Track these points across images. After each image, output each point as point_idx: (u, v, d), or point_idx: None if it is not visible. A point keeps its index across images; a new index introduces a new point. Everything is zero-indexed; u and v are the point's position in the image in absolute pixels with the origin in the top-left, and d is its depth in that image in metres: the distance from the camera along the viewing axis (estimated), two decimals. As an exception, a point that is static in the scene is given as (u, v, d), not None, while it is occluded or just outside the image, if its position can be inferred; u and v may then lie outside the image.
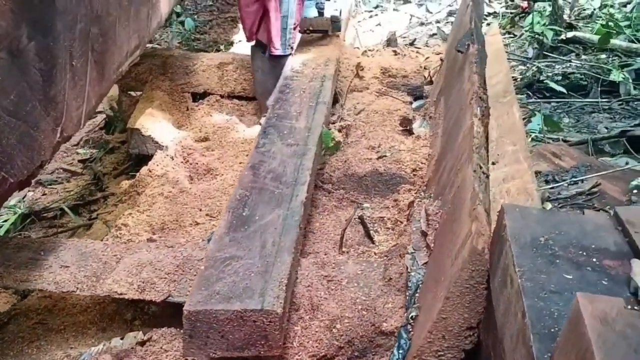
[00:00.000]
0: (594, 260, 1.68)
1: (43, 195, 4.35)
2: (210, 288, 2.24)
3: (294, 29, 4.36)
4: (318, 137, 3.33)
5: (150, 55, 4.71)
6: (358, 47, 5.72)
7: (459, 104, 3.29)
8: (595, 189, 2.78)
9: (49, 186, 4.43)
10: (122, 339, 2.56)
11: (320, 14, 4.55)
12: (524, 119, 4.33)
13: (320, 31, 4.63)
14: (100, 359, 2.43)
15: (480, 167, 2.45)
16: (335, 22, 4.60)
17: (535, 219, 1.83)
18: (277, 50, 4.28)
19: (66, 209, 4.02)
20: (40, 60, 2.39)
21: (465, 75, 3.43)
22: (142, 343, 2.51)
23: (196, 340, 2.16)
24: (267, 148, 3.19)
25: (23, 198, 4.24)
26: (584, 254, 1.70)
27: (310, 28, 4.57)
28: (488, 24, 6.19)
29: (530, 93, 4.89)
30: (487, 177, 2.49)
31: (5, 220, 3.97)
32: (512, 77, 4.99)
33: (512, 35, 6.05)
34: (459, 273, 1.90)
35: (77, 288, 2.57)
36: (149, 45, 6.65)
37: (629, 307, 1.53)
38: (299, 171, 2.98)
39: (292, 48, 4.39)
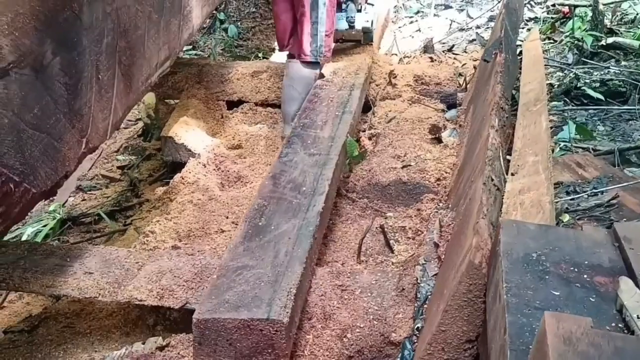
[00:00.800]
0: (585, 276, 1.68)
1: (82, 200, 4.49)
2: (220, 297, 2.30)
3: (327, 36, 4.19)
4: (341, 146, 3.35)
5: (186, 64, 4.80)
6: (396, 54, 5.72)
7: (482, 114, 3.29)
8: (614, 201, 2.74)
9: (89, 192, 4.56)
10: (143, 343, 2.65)
11: (351, 26, 4.54)
12: (557, 126, 4.29)
13: (353, 41, 4.64)
14: (121, 362, 2.52)
15: (492, 180, 2.46)
16: (366, 33, 4.60)
17: (531, 235, 1.84)
18: (307, 57, 4.16)
19: (103, 214, 4.13)
20: (65, 74, 2.45)
21: (490, 85, 3.43)
22: (161, 348, 2.59)
23: (205, 348, 2.22)
24: (290, 158, 3.23)
25: (63, 204, 4.38)
26: (576, 270, 1.70)
27: (343, 38, 4.58)
28: (529, 29, 6.14)
29: (567, 100, 4.82)
30: (498, 189, 2.49)
31: (45, 225, 4.10)
32: (550, 83, 4.94)
33: (552, 41, 5.98)
34: (457, 286, 1.92)
35: (99, 294, 2.65)
36: (192, 52, 6.83)
37: (613, 324, 1.54)
38: (318, 181, 3.02)
39: (324, 56, 4.23)
